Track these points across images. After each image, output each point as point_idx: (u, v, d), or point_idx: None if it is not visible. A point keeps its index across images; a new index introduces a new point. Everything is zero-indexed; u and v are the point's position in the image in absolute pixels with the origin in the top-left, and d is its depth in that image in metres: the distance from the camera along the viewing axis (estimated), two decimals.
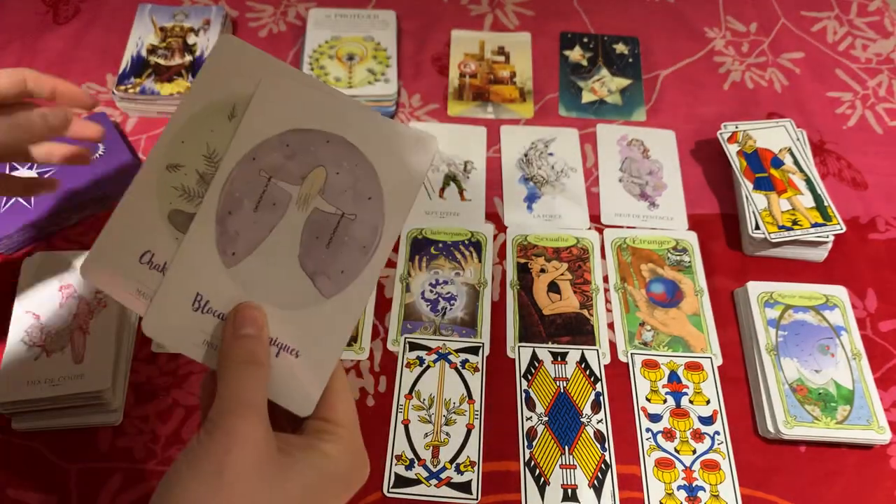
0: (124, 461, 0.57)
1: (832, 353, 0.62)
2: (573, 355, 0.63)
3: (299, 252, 0.37)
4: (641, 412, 0.60)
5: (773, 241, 0.67)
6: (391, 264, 0.68)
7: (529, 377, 0.62)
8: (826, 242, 0.68)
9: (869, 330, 0.66)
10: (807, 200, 0.69)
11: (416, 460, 0.58)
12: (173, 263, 0.37)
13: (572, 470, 0.57)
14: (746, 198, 0.70)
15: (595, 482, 0.57)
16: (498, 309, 0.66)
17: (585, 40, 0.88)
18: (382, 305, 0.66)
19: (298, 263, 0.37)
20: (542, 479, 0.57)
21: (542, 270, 0.69)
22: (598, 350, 0.64)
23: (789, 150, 0.73)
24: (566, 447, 0.58)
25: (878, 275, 0.70)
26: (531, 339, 0.64)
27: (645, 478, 0.58)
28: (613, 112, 0.81)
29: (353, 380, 0.62)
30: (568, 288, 0.68)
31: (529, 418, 0.60)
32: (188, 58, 0.79)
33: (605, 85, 0.83)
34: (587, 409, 0.60)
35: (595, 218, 0.73)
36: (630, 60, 0.86)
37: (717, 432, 0.60)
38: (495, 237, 0.71)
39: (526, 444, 0.59)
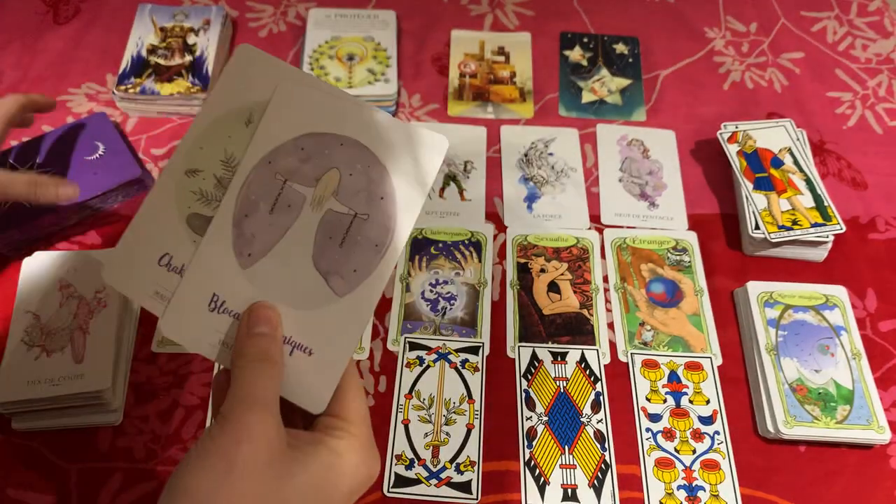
0: (124, 461, 0.57)
1: (832, 353, 0.62)
2: (573, 355, 0.63)
3: (313, 252, 0.38)
4: (641, 412, 0.60)
5: (773, 241, 0.67)
6: None
7: (529, 377, 0.62)
8: (826, 242, 0.68)
9: (869, 330, 0.66)
10: (807, 200, 0.69)
11: (416, 460, 0.58)
12: (191, 265, 0.38)
13: (572, 470, 0.57)
14: (746, 198, 0.70)
15: (595, 482, 0.57)
16: (498, 309, 0.66)
17: (585, 40, 0.88)
18: (382, 305, 0.66)
19: (312, 263, 0.38)
20: (542, 479, 0.57)
21: (542, 270, 0.69)
22: (598, 350, 0.64)
23: (789, 150, 0.73)
24: (566, 447, 0.58)
25: (877, 275, 0.70)
26: (531, 339, 0.64)
27: (645, 478, 0.58)
28: (613, 112, 0.81)
29: None
30: (568, 288, 0.68)
31: (529, 418, 0.60)
32: (188, 58, 0.79)
33: (605, 85, 0.83)
34: (587, 409, 0.60)
35: (595, 218, 0.73)
36: (630, 60, 0.86)
37: (716, 432, 0.60)
38: (495, 237, 0.71)
39: (526, 443, 0.59)
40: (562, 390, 0.61)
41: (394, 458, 0.58)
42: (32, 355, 0.57)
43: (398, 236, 0.38)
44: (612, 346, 0.65)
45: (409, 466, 0.57)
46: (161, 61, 0.79)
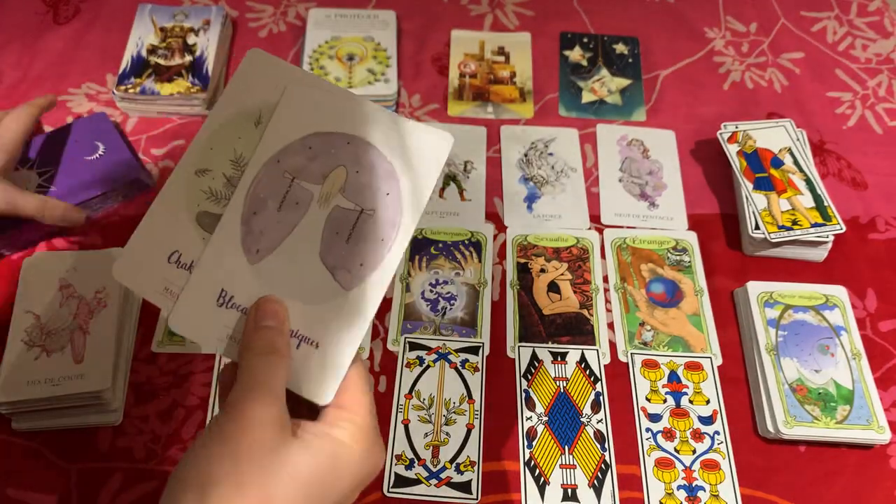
0: (124, 461, 0.57)
1: (832, 353, 0.62)
2: (573, 355, 0.63)
3: (320, 248, 0.39)
4: (641, 412, 0.60)
5: (773, 241, 0.67)
6: None
7: (529, 377, 0.62)
8: (826, 242, 0.68)
9: (869, 330, 0.66)
10: (807, 200, 0.69)
11: (416, 460, 0.58)
12: (200, 261, 0.39)
13: (572, 470, 0.57)
14: (746, 198, 0.70)
15: (595, 482, 0.57)
16: (498, 309, 0.66)
17: (585, 40, 0.88)
18: (382, 305, 0.66)
19: (319, 259, 0.39)
20: (542, 479, 0.57)
21: (542, 270, 0.69)
22: (597, 350, 0.64)
23: (789, 150, 0.73)
24: (566, 447, 0.58)
25: (877, 275, 0.70)
26: (531, 339, 0.64)
27: (645, 478, 0.58)
28: (613, 112, 0.81)
29: None
30: (568, 288, 0.68)
31: (529, 418, 0.60)
32: (188, 58, 0.79)
33: (605, 85, 0.83)
34: (587, 409, 0.60)
35: (595, 218, 0.73)
36: (630, 60, 0.86)
37: (716, 432, 0.60)
38: (495, 237, 0.71)
39: (526, 443, 0.59)
40: (562, 390, 0.61)
41: (394, 458, 0.58)
42: (32, 355, 0.57)
43: (404, 230, 0.39)
44: (612, 346, 0.65)
45: (409, 466, 0.57)
46: (161, 61, 0.79)
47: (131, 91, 0.76)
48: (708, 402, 0.61)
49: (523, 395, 0.61)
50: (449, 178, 0.75)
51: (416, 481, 0.57)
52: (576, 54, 0.86)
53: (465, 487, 0.56)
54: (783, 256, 0.70)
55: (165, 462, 0.57)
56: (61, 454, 0.57)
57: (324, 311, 0.39)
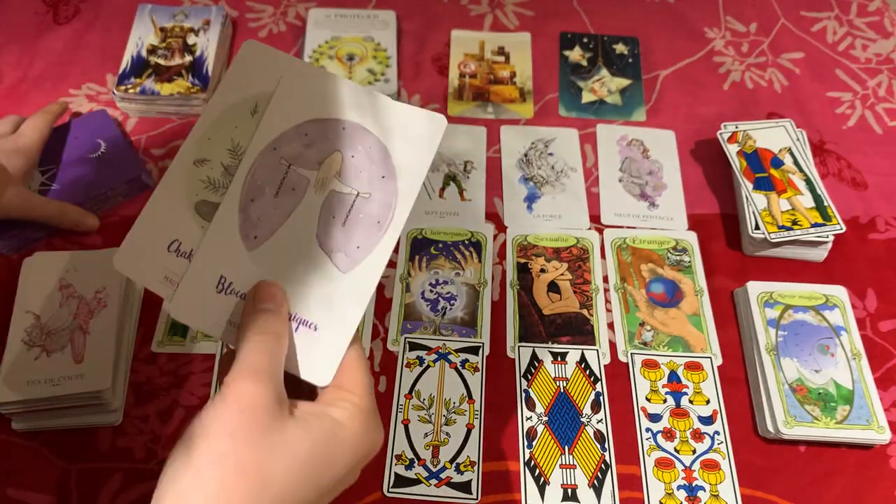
0: (124, 461, 0.57)
1: (832, 353, 0.62)
2: (573, 355, 0.63)
3: (317, 232, 0.40)
4: (641, 412, 0.60)
5: (773, 241, 0.67)
6: (391, 264, 0.68)
7: (529, 377, 0.62)
8: (826, 242, 0.68)
9: (869, 330, 0.66)
10: (807, 200, 0.69)
11: (416, 460, 0.58)
12: (199, 249, 0.40)
13: (572, 470, 0.57)
14: (746, 198, 0.70)
15: (595, 482, 0.57)
16: (498, 309, 0.66)
17: (585, 40, 0.88)
18: (382, 305, 0.66)
19: (317, 242, 0.39)
20: (542, 479, 0.57)
21: (542, 270, 0.69)
22: (598, 350, 0.64)
23: (789, 150, 0.73)
24: (566, 447, 0.58)
25: (877, 275, 0.70)
26: (531, 339, 0.64)
27: (645, 478, 0.58)
28: (613, 112, 0.81)
29: None
30: (568, 288, 0.68)
31: (529, 418, 0.60)
32: (188, 58, 0.79)
33: (605, 85, 0.83)
34: (587, 409, 0.60)
35: (595, 218, 0.73)
36: (630, 60, 0.86)
37: (716, 432, 0.60)
38: (495, 237, 0.71)
39: (526, 443, 0.59)
40: (562, 390, 0.61)
41: (394, 458, 0.58)
42: (32, 355, 0.57)
43: (399, 213, 0.40)
44: (612, 346, 0.65)
45: (409, 466, 0.57)
46: (161, 61, 0.79)
47: (131, 91, 0.76)
48: (708, 402, 0.61)
49: (523, 395, 0.61)
50: (449, 178, 0.75)
51: (416, 481, 0.57)
52: (576, 54, 0.86)
53: (465, 487, 0.56)
54: (783, 256, 0.70)
55: (165, 462, 0.57)
56: (61, 454, 0.57)
57: (322, 294, 0.39)
